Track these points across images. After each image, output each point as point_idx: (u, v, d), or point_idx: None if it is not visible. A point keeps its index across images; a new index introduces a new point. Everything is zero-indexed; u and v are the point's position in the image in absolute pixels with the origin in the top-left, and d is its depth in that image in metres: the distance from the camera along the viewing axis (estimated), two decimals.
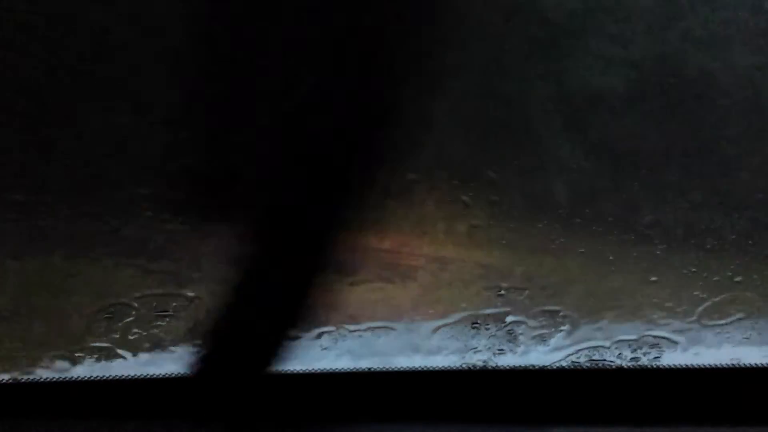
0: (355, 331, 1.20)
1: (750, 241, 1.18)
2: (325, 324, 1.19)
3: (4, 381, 1.15)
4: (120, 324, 1.17)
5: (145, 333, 1.18)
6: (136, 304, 1.17)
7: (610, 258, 1.18)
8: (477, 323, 1.20)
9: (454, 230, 1.18)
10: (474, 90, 1.15)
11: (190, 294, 1.17)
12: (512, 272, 1.19)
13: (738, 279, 1.18)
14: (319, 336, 1.20)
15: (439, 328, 1.21)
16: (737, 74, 1.13)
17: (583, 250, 1.17)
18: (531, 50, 1.13)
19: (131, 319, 1.17)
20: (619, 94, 1.13)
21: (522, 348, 1.21)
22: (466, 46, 1.12)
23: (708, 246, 1.18)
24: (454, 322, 1.21)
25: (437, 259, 1.19)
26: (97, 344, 1.17)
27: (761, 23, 1.12)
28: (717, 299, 1.19)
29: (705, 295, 1.19)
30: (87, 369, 1.17)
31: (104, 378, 1.18)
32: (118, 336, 1.17)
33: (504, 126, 1.16)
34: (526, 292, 1.20)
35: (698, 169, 1.17)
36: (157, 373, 1.18)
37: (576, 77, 1.14)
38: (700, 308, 1.20)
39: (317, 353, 1.20)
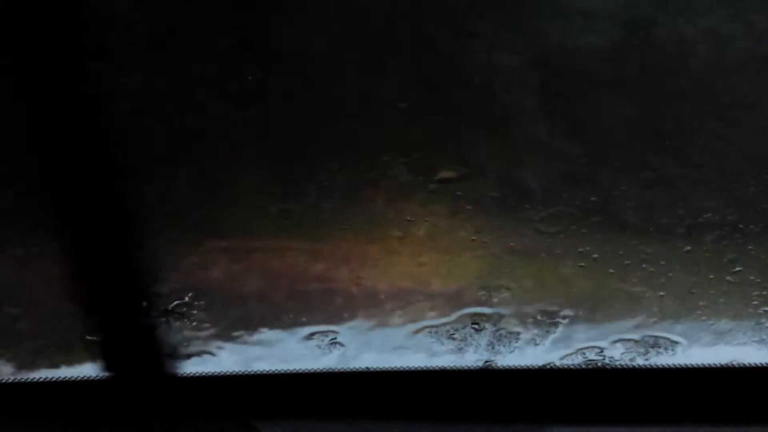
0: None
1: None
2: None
3: (4, 381, 1.16)
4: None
5: None
6: None
7: (609, 257, 1.17)
8: (476, 322, 1.20)
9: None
10: None
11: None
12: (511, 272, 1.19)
13: (736, 278, 1.17)
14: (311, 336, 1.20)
15: (437, 326, 1.21)
16: None
17: (581, 250, 1.17)
18: None
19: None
20: None
21: (521, 347, 1.21)
22: None
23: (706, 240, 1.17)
24: (454, 321, 1.21)
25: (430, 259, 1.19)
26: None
27: None
28: (717, 298, 1.19)
29: (705, 294, 1.19)
30: (87, 369, 1.18)
31: (104, 378, 1.18)
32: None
33: None
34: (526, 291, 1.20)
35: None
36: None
37: None
38: (700, 307, 1.19)
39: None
